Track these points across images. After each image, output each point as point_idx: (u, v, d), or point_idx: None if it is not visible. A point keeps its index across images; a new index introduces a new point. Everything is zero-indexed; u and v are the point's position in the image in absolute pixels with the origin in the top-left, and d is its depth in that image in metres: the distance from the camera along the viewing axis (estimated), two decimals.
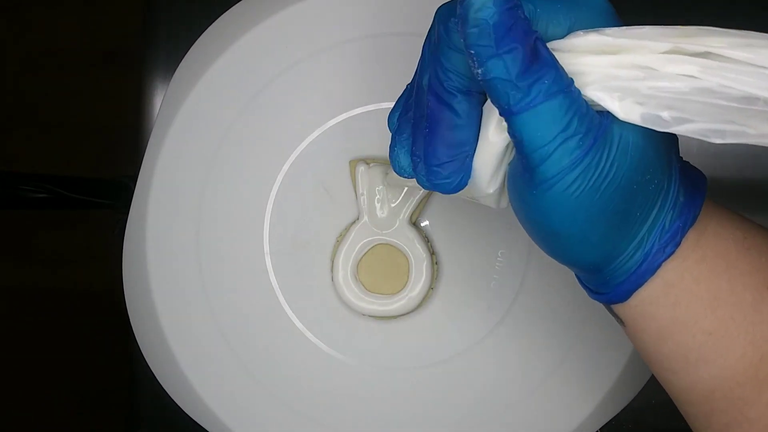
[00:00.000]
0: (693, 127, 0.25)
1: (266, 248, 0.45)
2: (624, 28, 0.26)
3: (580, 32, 0.27)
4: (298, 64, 0.45)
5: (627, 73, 0.26)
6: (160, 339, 0.45)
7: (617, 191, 0.27)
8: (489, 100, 0.28)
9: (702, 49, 0.25)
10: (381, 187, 0.44)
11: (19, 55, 1.15)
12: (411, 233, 0.44)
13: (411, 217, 0.44)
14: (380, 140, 0.45)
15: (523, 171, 0.27)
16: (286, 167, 0.45)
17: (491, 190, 0.30)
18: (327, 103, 0.45)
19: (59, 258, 1.14)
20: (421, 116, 0.30)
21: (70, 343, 1.13)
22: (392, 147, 0.32)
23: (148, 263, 0.45)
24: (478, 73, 0.26)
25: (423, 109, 0.29)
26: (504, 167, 0.30)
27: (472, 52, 0.25)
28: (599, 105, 0.26)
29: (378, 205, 0.44)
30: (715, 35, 0.25)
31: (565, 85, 0.26)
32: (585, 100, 0.26)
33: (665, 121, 0.25)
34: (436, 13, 0.29)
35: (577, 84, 0.26)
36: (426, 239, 0.45)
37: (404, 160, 0.31)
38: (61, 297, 1.14)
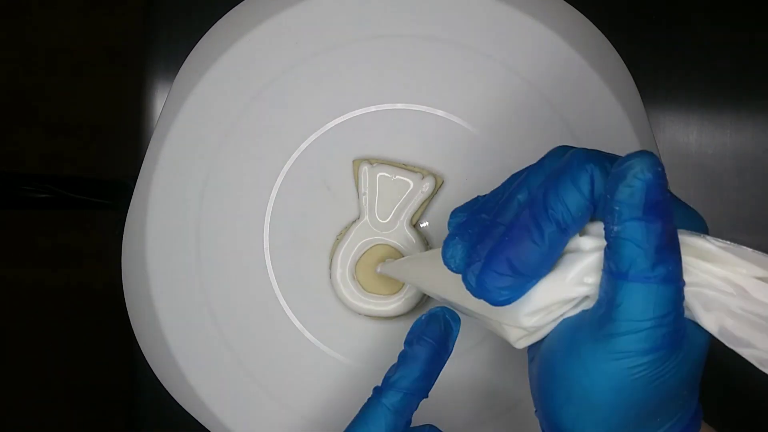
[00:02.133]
0: (758, 354, 0.26)
1: (266, 245, 0.45)
2: (728, 243, 0.27)
3: (687, 232, 0.27)
4: (301, 64, 0.45)
5: (719, 285, 0.26)
6: (159, 338, 0.45)
7: (660, 394, 0.27)
8: (578, 249, 0.28)
9: None
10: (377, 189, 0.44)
11: (19, 55, 1.15)
12: (411, 235, 0.44)
13: (411, 219, 0.44)
14: (384, 140, 0.45)
15: (597, 330, 0.27)
16: (288, 165, 0.45)
17: (527, 324, 0.30)
18: (331, 102, 0.45)
19: (59, 258, 1.15)
20: (502, 224, 0.29)
21: (71, 342, 1.13)
22: (451, 236, 0.31)
23: (147, 263, 0.45)
24: (613, 229, 0.26)
25: (507, 218, 0.29)
26: (552, 315, 0.29)
27: (617, 208, 0.26)
28: (687, 308, 0.27)
29: (379, 206, 0.44)
30: None
31: (681, 278, 0.26)
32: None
33: (739, 340, 0.26)
34: (553, 150, 0.30)
35: None
36: (426, 241, 0.45)
37: (460, 253, 0.31)
38: (62, 296, 1.14)
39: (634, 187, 0.25)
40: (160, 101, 0.50)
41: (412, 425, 0.35)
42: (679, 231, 0.27)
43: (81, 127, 1.14)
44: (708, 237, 0.27)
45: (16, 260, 1.15)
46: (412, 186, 0.44)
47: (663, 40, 0.51)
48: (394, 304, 0.45)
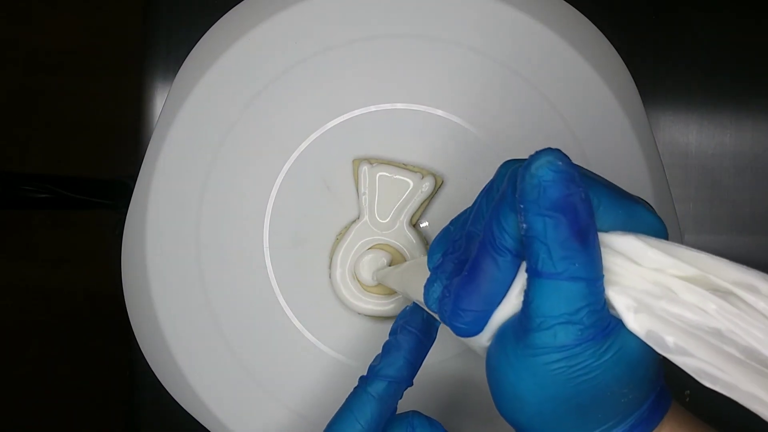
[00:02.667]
0: (690, 362, 0.25)
1: (266, 245, 0.45)
2: (664, 242, 0.26)
3: (619, 233, 0.27)
4: (301, 64, 0.45)
5: (648, 288, 0.26)
6: (159, 338, 0.45)
7: (590, 390, 0.27)
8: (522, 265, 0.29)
9: (727, 286, 0.25)
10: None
11: (19, 55, 1.15)
12: (410, 234, 0.44)
13: (411, 219, 0.44)
14: (384, 140, 0.45)
15: (518, 328, 0.28)
16: (288, 165, 0.45)
17: (485, 343, 0.30)
18: (331, 102, 0.45)
19: (59, 258, 1.15)
20: (465, 260, 0.30)
21: (70, 343, 1.13)
22: (431, 281, 0.32)
23: (147, 263, 0.45)
24: (522, 227, 0.26)
25: (468, 254, 0.30)
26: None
27: (522, 206, 0.26)
28: (614, 308, 0.27)
29: (379, 206, 0.44)
30: (749, 276, 0.25)
31: (592, 276, 0.26)
32: (605, 298, 0.27)
33: (668, 346, 0.25)
34: (501, 167, 0.30)
35: (605, 280, 0.27)
36: (425, 241, 0.45)
37: (434, 295, 0.32)
38: (61, 297, 1.14)
39: (532, 184, 0.25)
40: (160, 101, 0.50)
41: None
42: (611, 232, 0.27)
43: (81, 127, 1.14)
44: (641, 236, 0.27)
45: (15, 260, 1.15)
46: (411, 186, 0.44)
47: (663, 40, 0.51)
48: (393, 304, 0.45)
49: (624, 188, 0.29)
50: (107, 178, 0.60)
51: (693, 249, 0.26)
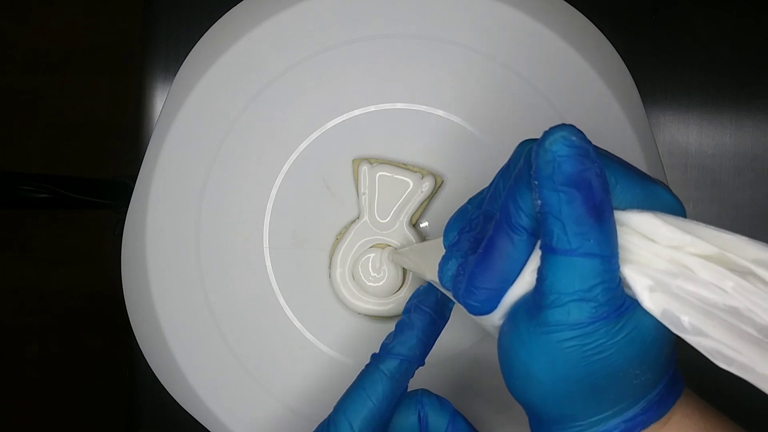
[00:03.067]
0: (706, 342, 0.24)
1: (266, 245, 0.45)
2: (682, 220, 0.26)
3: (640, 210, 0.27)
4: (301, 64, 0.45)
5: (664, 266, 0.25)
6: (159, 338, 0.45)
7: (603, 370, 0.27)
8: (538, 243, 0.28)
9: (746, 264, 0.24)
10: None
11: (19, 54, 1.15)
12: (410, 234, 0.44)
13: (411, 219, 0.44)
14: (384, 140, 0.45)
15: (532, 306, 0.27)
16: (288, 165, 0.45)
17: (498, 321, 0.30)
18: (331, 102, 0.45)
19: (59, 258, 1.15)
20: (482, 238, 0.30)
21: (70, 343, 1.13)
22: (446, 258, 0.32)
23: (147, 263, 0.45)
24: (537, 203, 0.26)
25: (484, 233, 0.30)
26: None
27: (536, 182, 0.26)
28: (630, 287, 0.26)
29: (378, 205, 0.44)
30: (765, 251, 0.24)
31: (608, 253, 0.26)
32: (620, 277, 0.26)
33: (683, 326, 0.25)
34: (518, 147, 0.29)
35: (620, 258, 0.26)
36: (425, 241, 0.45)
37: (449, 273, 0.31)
38: (61, 297, 1.14)
39: (546, 159, 0.25)
40: (160, 101, 0.50)
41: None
42: (628, 210, 0.27)
43: (81, 127, 1.14)
44: (659, 213, 0.26)
45: (15, 260, 1.15)
46: (411, 186, 0.44)
47: (663, 40, 0.51)
48: (393, 304, 0.45)
49: None
50: (107, 178, 0.60)
51: (711, 227, 0.25)
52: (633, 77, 0.46)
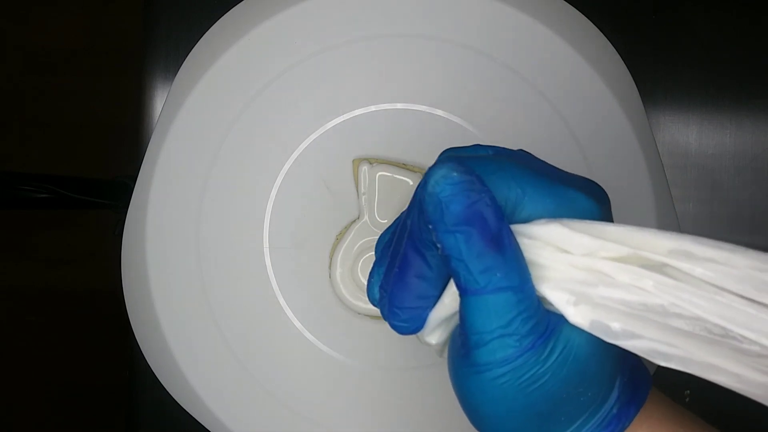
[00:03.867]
0: (640, 344, 0.24)
1: (266, 245, 0.45)
2: (590, 224, 0.25)
3: (546, 221, 0.26)
4: (301, 64, 0.45)
5: (582, 276, 0.25)
6: (159, 338, 0.45)
7: (543, 396, 0.26)
8: None
9: (660, 259, 0.24)
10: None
11: (19, 54, 1.15)
12: None
13: None
14: (384, 140, 0.45)
15: (460, 346, 0.27)
16: (288, 165, 0.45)
17: (433, 342, 0.30)
18: (331, 102, 0.45)
19: (59, 258, 1.15)
20: (397, 254, 0.29)
21: (70, 343, 1.13)
22: (371, 274, 0.31)
23: (147, 263, 0.45)
24: (437, 247, 0.25)
25: (400, 248, 0.29)
26: (450, 327, 0.29)
27: (430, 227, 0.25)
28: (553, 305, 0.26)
29: (378, 205, 0.44)
30: (680, 242, 0.24)
31: (517, 282, 0.25)
32: (538, 297, 0.26)
33: (614, 332, 0.24)
34: (439, 156, 0.29)
35: (535, 276, 0.26)
36: None
37: (376, 292, 0.31)
38: (61, 297, 1.14)
39: (433, 203, 0.25)
40: (160, 101, 0.50)
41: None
42: (534, 222, 0.26)
43: (81, 127, 1.14)
44: (566, 221, 0.25)
45: (15, 260, 1.15)
46: (411, 186, 0.44)
47: (663, 40, 0.51)
48: None
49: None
50: (107, 178, 0.60)
51: (620, 225, 0.25)
52: (633, 77, 0.46)
